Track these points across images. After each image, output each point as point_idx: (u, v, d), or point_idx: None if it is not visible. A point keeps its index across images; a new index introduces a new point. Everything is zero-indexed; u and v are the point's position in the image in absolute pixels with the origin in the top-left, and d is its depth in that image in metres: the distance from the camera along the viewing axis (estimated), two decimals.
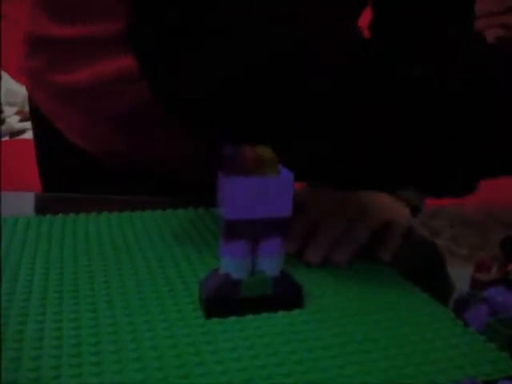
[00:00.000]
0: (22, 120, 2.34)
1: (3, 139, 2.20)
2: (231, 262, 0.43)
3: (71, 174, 0.84)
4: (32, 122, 0.90)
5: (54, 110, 0.83)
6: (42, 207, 0.71)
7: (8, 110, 2.38)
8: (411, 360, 0.40)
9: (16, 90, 2.41)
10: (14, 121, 2.34)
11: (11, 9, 2.37)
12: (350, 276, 0.53)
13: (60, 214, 0.64)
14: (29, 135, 2.24)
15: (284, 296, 0.45)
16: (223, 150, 0.41)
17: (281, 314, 0.45)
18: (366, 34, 0.77)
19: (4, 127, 2.28)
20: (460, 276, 0.58)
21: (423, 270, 0.59)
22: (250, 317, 0.44)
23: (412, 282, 0.52)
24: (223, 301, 0.43)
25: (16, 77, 2.43)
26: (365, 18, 0.77)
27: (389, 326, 0.44)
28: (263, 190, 0.41)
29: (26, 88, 0.89)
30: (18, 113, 2.37)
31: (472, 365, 0.40)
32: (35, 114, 0.87)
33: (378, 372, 0.39)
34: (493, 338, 0.42)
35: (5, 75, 2.45)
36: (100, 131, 0.79)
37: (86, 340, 0.40)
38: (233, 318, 0.44)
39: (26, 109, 2.32)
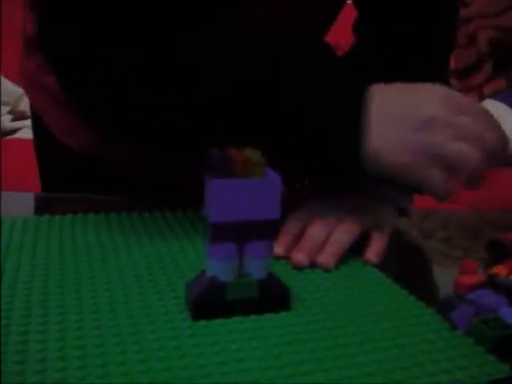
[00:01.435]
0: (14, 119, 2.33)
1: None
2: (218, 265, 0.43)
3: (70, 174, 0.84)
4: (32, 123, 0.90)
5: (45, 109, 0.83)
6: (41, 207, 0.71)
7: (2, 109, 2.37)
8: (398, 364, 0.40)
9: (9, 90, 2.40)
10: (6, 120, 2.33)
11: (7, 9, 2.37)
12: (337, 279, 0.53)
13: (57, 215, 0.64)
14: (20, 135, 2.23)
15: (271, 298, 0.45)
16: (210, 152, 0.41)
17: (268, 316, 0.45)
18: (350, 35, 0.77)
19: None
20: (452, 278, 0.58)
21: (410, 271, 0.59)
22: (236, 319, 0.44)
23: (399, 284, 0.52)
24: (210, 303, 0.43)
25: (9, 76, 2.42)
26: (348, 19, 0.78)
27: (375, 329, 0.44)
28: (250, 193, 0.41)
29: (23, 88, 0.89)
30: (10, 112, 2.36)
31: (459, 368, 0.40)
32: (34, 114, 0.87)
33: (365, 376, 0.38)
34: (479, 341, 0.42)
35: None
36: (86, 132, 0.79)
37: (71, 343, 0.40)
38: (219, 321, 0.43)
39: (19, 108, 2.32)
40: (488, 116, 0.55)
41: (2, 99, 2.39)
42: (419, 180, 0.52)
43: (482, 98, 2.35)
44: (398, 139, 0.52)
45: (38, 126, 0.88)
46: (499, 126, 0.55)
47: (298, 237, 0.56)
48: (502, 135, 0.55)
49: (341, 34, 0.79)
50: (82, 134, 0.79)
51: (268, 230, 0.43)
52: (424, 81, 0.61)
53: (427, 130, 0.52)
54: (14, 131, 2.27)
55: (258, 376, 0.37)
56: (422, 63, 0.72)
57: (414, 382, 0.38)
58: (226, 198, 0.41)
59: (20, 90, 2.36)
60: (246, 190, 0.41)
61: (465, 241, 0.67)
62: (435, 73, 0.73)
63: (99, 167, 0.81)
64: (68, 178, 0.83)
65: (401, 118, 0.52)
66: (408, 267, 0.60)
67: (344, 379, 0.38)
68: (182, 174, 0.71)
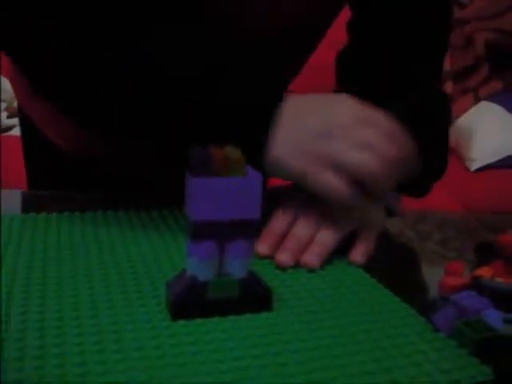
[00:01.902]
0: (9, 116, 2.33)
1: None
2: (198, 264, 0.42)
3: (57, 172, 0.84)
4: (19, 119, 0.89)
5: (32, 107, 0.83)
6: (28, 205, 0.71)
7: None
8: (380, 366, 0.39)
9: (4, 87, 2.39)
10: (2, 117, 2.32)
11: None
12: (321, 279, 0.52)
13: (43, 213, 0.64)
14: (16, 132, 2.22)
15: (252, 298, 0.44)
16: (191, 150, 0.41)
17: (248, 316, 0.44)
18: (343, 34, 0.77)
19: None
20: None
21: (397, 273, 0.59)
22: (216, 319, 0.43)
23: (385, 285, 0.52)
24: (189, 303, 0.43)
25: (3, 72, 2.42)
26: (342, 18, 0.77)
27: (358, 331, 0.44)
28: (230, 191, 0.41)
29: (12, 85, 0.88)
30: (5, 109, 2.36)
31: (441, 371, 0.39)
32: (21, 112, 0.87)
33: (346, 377, 0.38)
34: (462, 343, 0.42)
35: None
36: (73, 131, 0.79)
37: (49, 341, 0.39)
38: (199, 320, 0.43)
39: (14, 105, 2.31)
40: (395, 130, 0.55)
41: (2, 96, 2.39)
42: (314, 184, 0.53)
43: (477, 100, 2.36)
44: (297, 147, 0.54)
45: (24, 124, 0.87)
46: (406, 141, 0.56)
47: (282, 236, 0.56)
48: (408, 150, 0.56)
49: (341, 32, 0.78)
50: (63, 126, 0.79)
51: (249, 229, 0.43)
52: (415, 82, 0.61)
53: (327, 139, 0.53)
54: (10, 128, 2.26)
55: (236, 376, 0.37)
56: (415, 64, 0.72)
57: None
58: (205, 197, 0.40)
59: None
60: (225, 188, 0.41)
61: (460, 243, 0.66)
62: (427, 74, 0.72)
63: (82, 164, 0.80)
64: (54, 175, 0.83)
65: (304, 127, 0.54)
66: (396, 268, 0.60)
67: (325, 380, 0.37)
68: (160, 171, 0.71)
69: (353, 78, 0.73)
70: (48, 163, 0.85)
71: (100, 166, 0.80)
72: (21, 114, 0.87)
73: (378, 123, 0.55)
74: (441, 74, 0.76)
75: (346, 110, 0.55)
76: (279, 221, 0.57)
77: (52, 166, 0.84)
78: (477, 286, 0.45)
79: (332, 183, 0.53)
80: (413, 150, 0.56)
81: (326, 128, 0.53)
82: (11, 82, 0.88)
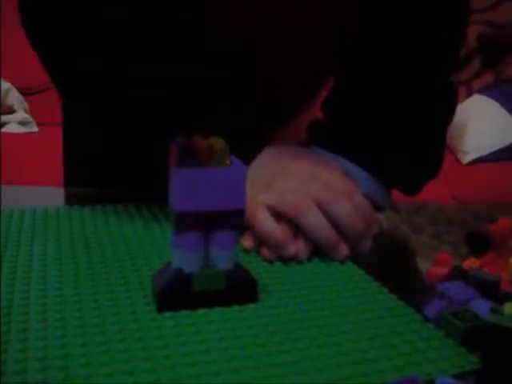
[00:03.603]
0: (1, 113, 2.31)
1: None
2: (183, 256, 0.42)
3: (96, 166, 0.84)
4: (63, 116, 0.89)
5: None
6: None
7: None
8: (366, 356, 0.39)
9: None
10: None
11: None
12: (308, 271, 0.52)
13: (29, 208, 0.63)
14: (8, 129, 2.22)
15: (237, 290, 0.44)
16: (174, 140, 0.40)
17: (234, 308, 0.44)
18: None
19: None
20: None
21: (386, 264, 0.58)
22: (202, 311, 0.43)
23: (373, 276, 0.51)
24: (175, 295, 0.42)
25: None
26: None
27: (344, 322, 0.43)
28: (214, 181, 0.40)
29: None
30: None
31: (428, 361, 0.39)
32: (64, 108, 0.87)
33: (332, 368, 0.38)
34: (449, 333, 0.42)
35: None
36: None
37: (34, 335, 0.39)
38: (185, 312, 0.43)
39: (6, 102, 2.31)
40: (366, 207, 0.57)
41: None
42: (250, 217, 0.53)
43: (470, 93, 2.35)
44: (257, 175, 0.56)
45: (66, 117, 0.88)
46: (369, 213, 0.57)
47: None
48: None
49: None
50: None
51: (234, 220, 0.42)
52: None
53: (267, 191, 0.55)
54: (2, 125, 2.26)
55: (222, 367, 0.37)
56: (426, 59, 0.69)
57: (381, 375, 0.37)
58: (189, 187, 0.40)
59: (7, 84, 2.34)
60: (210, 178, 0.40)
61: (454, 235, 0.66)
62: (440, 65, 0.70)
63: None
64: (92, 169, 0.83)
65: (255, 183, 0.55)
66: (385, 260, 0.59)
67: (311, 371, 0.37)
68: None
69: (356, 67, 0.71)
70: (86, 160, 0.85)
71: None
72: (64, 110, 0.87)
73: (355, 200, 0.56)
74: (456, 66, 0.74)
75: (297, 172, 0.56)
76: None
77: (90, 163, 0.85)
78: (463, 276, 0.45)
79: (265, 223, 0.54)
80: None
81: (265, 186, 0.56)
82: None
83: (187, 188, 0.40)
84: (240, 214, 0.42)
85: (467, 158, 2.14)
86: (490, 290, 0.46)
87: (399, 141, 0.65)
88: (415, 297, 0.47)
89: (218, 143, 0.40)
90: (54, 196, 0.74)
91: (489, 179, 2.02)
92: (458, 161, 2.16)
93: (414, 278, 0.58)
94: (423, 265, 0.61)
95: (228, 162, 0.41)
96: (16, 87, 2.38)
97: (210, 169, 0.40)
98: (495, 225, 0.54)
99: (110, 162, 0.81)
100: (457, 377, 0.37)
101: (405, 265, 0.61)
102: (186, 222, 0.41)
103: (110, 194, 0.70)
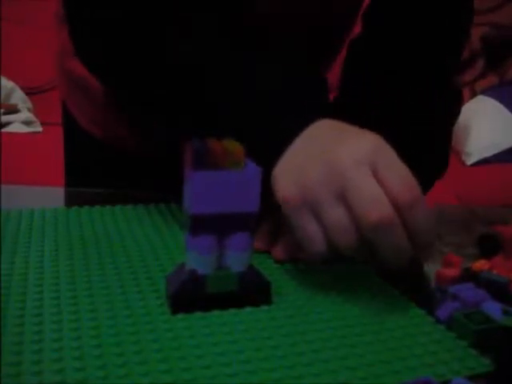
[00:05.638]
0: (4, 113, 2.32)
1: None
2: (197, 257, 0.42)
3: (96, 165, 0.85)
4: (62, 117, 0.90)
5: (68, 94, 0.84)
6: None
7: None
8: (379, 358, 0.39)
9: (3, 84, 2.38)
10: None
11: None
12: (323, 274, 0.52)
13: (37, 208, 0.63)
14: (11, 129, 2.22)
15: (251, 292, 0.44)
16: (189, 143, 0.40)
17: (248, 310, 0.44)
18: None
19: None
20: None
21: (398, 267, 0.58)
22: (216, 313, 0.43)
23: (383, 278, 0.52)
24: (189, 297, 0.43)
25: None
26: None
27: (357, 324, 0.44)
28: (228, 184, 0.41)
29: (58, 81, 0.89)
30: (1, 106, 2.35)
31: (441, 362, 0.39)
32: (64, 109, 0.88)
33: (346, 370, 0.38)
34: (461, 335, 0.42)
35: None
36: (106, 116, 0.80)
37: (48, 336, 0.39)
38: (199, 314, 0.43)
39: (9, 102, 2.31)
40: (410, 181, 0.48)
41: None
42: (292, 223, 0.48)
43: (474, 94, 2.36)
44: (294, 179, 0.48)
45: (66, 118, 0.88)
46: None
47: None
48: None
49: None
50: (99, 117, 0.81)
51: (248, 222, 0.42)
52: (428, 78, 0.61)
53: (325, 184, 0.46)
54: (4, 125, 2.25)
55: (237, 369, 0.37)
56: (429, 57, 0.70)
57: (395, 377, 0.38)
58: (204, 190, 0.40)
59: (11, 84, 2.35)
60: (225, 181, 0.40)
61: (457, 237, 0.66)
62: (442, 69, 0.71)
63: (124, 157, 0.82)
64: (94, 169, 0.84)
65: (307, 165, 0.48)
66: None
67: (325, 372, 0.37)
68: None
69: (361, 67, 0.72)
70: (89, 157, 0.86)
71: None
72: (64, 111, 0.88)
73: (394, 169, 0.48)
74: (458, 66, 0.74)
75: (357, 155, 0.46)
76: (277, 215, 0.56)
77: (93, 160, 0.85)
78: (474, 278, 0.45)
79: (311, 234, 0.47)
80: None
81: (325, 174, 0.46)
82: (57, 78, 0.89)
83: (203, 191, 0.40)
84: (254, 216, 0.42)
85: (471, 159, 2.14)
86: (500, 291, 0.46)
87: (404, 142, 0.65)
88: (425, 298, 0.47)
89: (233, 146, 0.40)
90: (53, 196, 0.74)
91: (492, 180, 2.02)
92: (462, 162, 2.16)
93: (422, 280, 0.58)
94: (430, 266, 0.61)
95: (243, 164, 0.41)
96: (20, 87, 2.38)
97: (226, 171, 0.40)
98: (505, 227, 0.54)
99: (109, 162, 0.81)
100: (469, 378, 0.38)
101: (413, 266, 0.61)
102: (200, 225, 0.41)
103: (112, 194, 0.71)
